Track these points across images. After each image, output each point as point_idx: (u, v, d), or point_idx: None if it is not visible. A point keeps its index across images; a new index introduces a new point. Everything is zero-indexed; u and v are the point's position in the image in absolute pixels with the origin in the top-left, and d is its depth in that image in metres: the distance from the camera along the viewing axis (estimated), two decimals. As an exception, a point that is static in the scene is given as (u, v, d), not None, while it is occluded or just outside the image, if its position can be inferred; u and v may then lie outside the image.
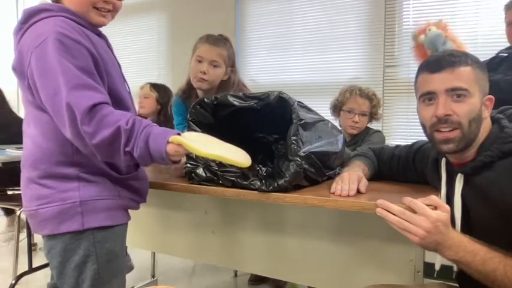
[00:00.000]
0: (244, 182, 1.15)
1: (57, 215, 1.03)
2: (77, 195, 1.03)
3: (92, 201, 1.05)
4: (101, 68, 1.05)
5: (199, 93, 1.78)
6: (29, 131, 1.09)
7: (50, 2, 1.10)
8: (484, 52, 2.07)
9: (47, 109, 1.00)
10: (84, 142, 0.97)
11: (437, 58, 1.02)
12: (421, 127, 1.08)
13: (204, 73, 1.68)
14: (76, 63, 0.98)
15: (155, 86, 2.82)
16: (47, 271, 1.14)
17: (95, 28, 1.11)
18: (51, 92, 0.97)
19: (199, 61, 1.70)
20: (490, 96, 1.02)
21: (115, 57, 1.18)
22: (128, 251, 2.58)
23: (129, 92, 1.21)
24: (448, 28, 1.96)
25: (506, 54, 1.99)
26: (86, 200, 1.04)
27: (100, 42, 1.10)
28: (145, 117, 2.71)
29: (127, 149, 0.97)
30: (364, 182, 1.13)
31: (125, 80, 1.20)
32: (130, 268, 2.51)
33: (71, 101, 0.94)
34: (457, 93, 0.97)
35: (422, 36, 1.95)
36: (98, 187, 1.06)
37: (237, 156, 1.00)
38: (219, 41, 1.74)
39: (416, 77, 1.06)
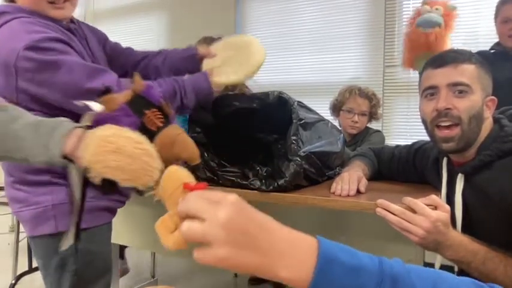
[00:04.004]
0: (244, 182, 1.15)
1: (33, 218, 1.04)
2: (50, 199, 1.03)
3: (64, 204, 1.04)
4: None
5: None
6: None
7: (4, 2, 1.08)
8: (484, 52, 2.07)
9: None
10: None
11: (442, 55, 1.03)
12: (421, 127, 1.09)
13: None
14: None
15: None
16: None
17: (61, 23, 1.09)
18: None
19: None
20: (493, 97, 1.02)
21: (91, 51, 1.16)
22: (128, 251, 2.58)
23: None
24: (451, 21, 1.93)
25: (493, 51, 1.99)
26: (59, 204, 1.04)
27: (69, 36, 1.08)
28: None
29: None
30: (364, 182, 1.13)
31: None
32: (125, 271, 2.50)
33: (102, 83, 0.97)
34: (459, 89, 0.97)
35: (426, 7, 1.92)
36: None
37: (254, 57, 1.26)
38: (216, 41, 1.75)
39: (421, 74, 1.07)
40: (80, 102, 0.74)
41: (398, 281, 0.45)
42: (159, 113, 0.75)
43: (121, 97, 0.74)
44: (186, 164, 0.81)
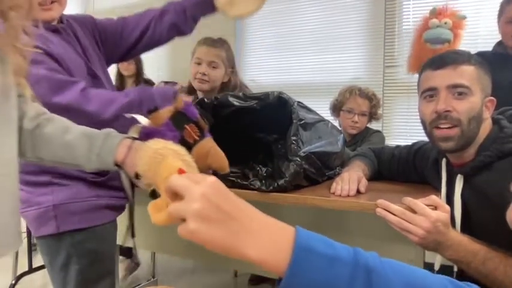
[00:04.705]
0: (244, 182, 1.15)
1: (35, 218, 1.05)
2: (50, 200, 1.04)
3: (64, 205, 1.05)
4: (62, 65, 1.04)
5: (200, 95, 1.79)
6: None
7: None
8: (484, 52, 2.06)
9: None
10: None
11: (441, 56, 1.03)
12: (420, 127, 1.09)
13: (204, 74, 1.70)
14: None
15: (168, 84, 2.91)
16: (46, 271, 1.15)
17: (48, 25, 1.07)
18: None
19: (198, 63, 1.72)
20: (492, 98, 1.02)
21: (82, 48, 1.15)
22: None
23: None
24: (460, 30, 1.91)
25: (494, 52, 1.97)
26: (59, 204, 1.04)
27: (54, 39, 1.07)
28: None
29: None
30: (364, 182, 1.13)
31: (93, 75, 1.15)
32: (137, 265, 2.57)
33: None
34: (458, 91, 0.97)
35: (435, 21, 1.89)
36: (72, 190, 1.06)
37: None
38: (216, 42, 1.76)
39: (420, 75, 1.07)
40: (129, 115, 0.84)
41: (372, 272, 0.46)
42: (196, 127, 0.86)
43: (166, 113, 0.84)
44: (215, 172, 0.92)
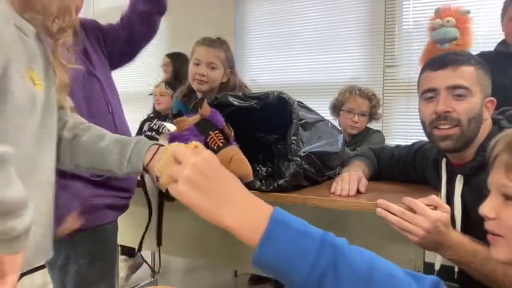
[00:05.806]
0: (244, 182, 1.14)
1: None
2: None
3: (63, 205, 1.03)
4: None
5: (199, 96, 1.79)
6: None
7: None
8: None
9: None
10: None
11: (441, 56, 1.03)
12: (420, 127, 1.09)
13: (203, 75, 1.69)
14: None
15: (170, 84, 2.91)
16: (46, 271, 1.15)
17: None
18: None
19: (197, 64, 1.71)
20: (492, 98, 1.02)
21: (85, 51, 1.14)
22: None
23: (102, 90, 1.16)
24: (467, 25, 1.91)
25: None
26: (57, 205, 1.03)
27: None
28: (162, 113, 2.83)
29: None
30: (364, 182, 1.13)
31: (92, 74, 1.14)
32: (138, 266, 2.55)
33: None
34: (458, 92, 0.97)
35: (437, 21, 1.90)
36: (70, 191, 1.05)
37: None
38: (215, 42, 1.75)
39: (420, 75, 1.07)
40: (159, 123, 0.91)
41: (337, 251, 0.51)
42: (220, 134, 0.89)
43: (191, 120, 0.89)
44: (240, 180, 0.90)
